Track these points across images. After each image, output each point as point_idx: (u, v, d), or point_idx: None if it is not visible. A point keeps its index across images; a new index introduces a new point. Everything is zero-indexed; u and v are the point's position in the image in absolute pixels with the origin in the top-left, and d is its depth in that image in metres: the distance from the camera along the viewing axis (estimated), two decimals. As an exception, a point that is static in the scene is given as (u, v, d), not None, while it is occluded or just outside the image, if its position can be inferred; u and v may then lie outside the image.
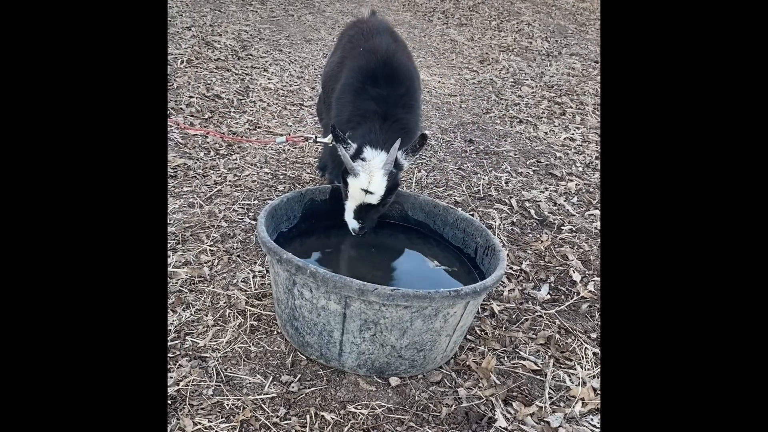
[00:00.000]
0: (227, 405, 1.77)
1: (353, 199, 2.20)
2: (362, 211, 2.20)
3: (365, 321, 1.80)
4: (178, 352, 1.96)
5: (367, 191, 2.14)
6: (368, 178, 2.14)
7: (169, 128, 3.58)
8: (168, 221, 2.72)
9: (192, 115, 4.11)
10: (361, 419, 1.77)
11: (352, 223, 2.23)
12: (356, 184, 2.15)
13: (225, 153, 3.62)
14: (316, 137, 2.95)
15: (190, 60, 5.27)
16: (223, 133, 3.90)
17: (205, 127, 3.97)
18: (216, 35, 6.24)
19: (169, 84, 4.53)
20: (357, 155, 2.18)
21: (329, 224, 2.39)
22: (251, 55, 5.92)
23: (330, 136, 2.24)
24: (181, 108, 4.18)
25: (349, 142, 2.20)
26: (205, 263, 2.45)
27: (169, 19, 6.34)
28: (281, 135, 3.89)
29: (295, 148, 3.85)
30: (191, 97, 4.41)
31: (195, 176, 3.24)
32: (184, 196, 3.00)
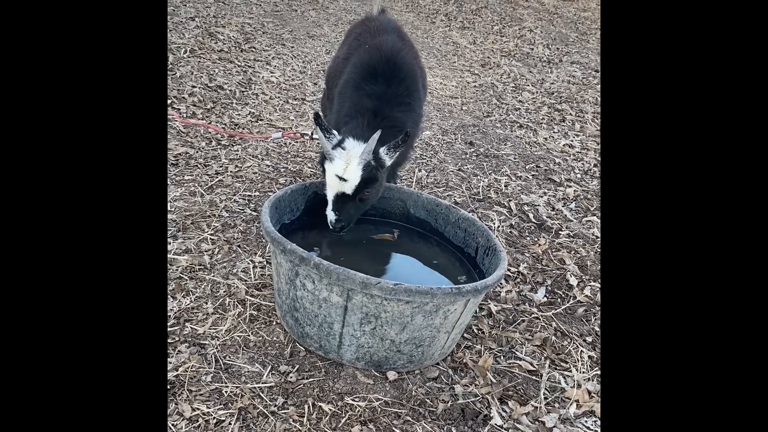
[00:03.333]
0: (225, 392, 1.78)
1: (330, 188, 2.23)
2: (339, 201, 2.22)
3: (366, 314, 1.81)
4: (177, 338, 1.96)
5: (341, 178, 2.16)
6: (344, 165, 2.16)
7: (170, 117, 3.57)
8: (169, 209, 2.72)
9: (194, 105, 4.10)
10: (358, 411, 1.78)
11: (330, 215, 2.24)
12: (332, 170, 2.19)
13: (226, 144, 3.62)
14: (312, 133, 2.95)
15: (194, 50, 5.25)
16: (224, 126, 3.90)
17: (207, 117, 3.96)
18: (219, 26, 6.22)
19: (172, 73, 4.52)
20: (338, 145, 2.21)
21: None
22: (254, 47, 5.91)
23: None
24: (183, 97, 4.17)
25: (333, 132, 2.24)
26: (206, 252, 2.46)
27: (173, 8, 6.32)
28: (278, 130, 3.89)
29: (296, 142, 3.86)
30: (194, 87, 4.40)
31: (196, 165, 3.24)
32: (186, 184, 3.00)
